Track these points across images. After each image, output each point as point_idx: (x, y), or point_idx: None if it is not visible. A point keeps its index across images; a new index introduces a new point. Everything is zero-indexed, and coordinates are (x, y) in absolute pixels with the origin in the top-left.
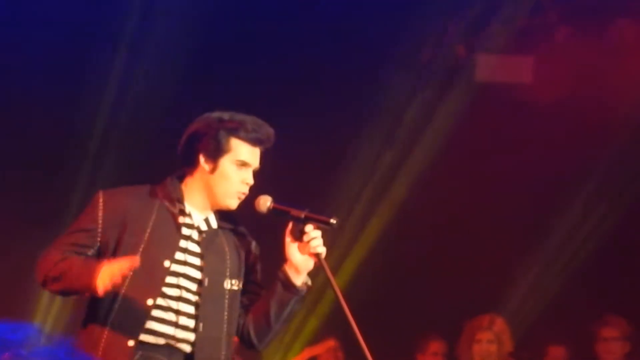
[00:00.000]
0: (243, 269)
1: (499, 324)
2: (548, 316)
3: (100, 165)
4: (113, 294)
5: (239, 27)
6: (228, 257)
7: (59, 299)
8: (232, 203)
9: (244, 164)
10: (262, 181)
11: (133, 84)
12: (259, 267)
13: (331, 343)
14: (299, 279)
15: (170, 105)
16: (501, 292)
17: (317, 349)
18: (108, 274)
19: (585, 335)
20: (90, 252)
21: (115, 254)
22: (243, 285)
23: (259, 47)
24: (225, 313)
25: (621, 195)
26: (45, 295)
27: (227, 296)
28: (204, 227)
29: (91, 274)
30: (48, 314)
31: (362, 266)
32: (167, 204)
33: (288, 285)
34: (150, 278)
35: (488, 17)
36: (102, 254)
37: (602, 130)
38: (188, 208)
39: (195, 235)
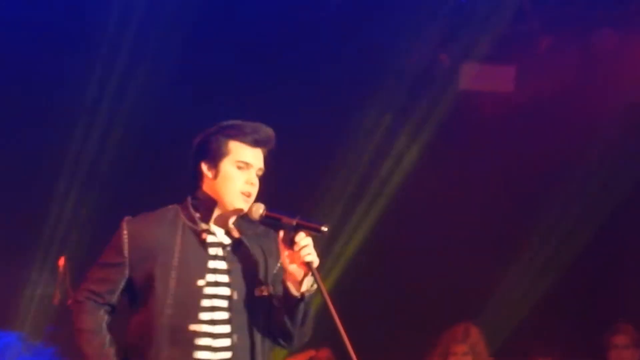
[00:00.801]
0: (271, 274)
1: (474, 334)
2: (528, 325)
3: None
4: (157, 322)
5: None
6: (254, 265)
7: (39, 308)
8: (240, 204)
9: (245, 164)
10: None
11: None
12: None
13: (312, 353)
14: (295, 287)
15: (162, 111)
16: (480, 301)
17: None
18: None
19: (571, 345)
20: (121, 285)
21: (150, 285)
22: (272, 286)
23: (249, 51)
24: (261, 319)
25: (601, 202)
26: (25, 304)
27: (258, 303)
28: (227, 241)
29: None
30: (28, 323)
31: (342, 276)
32: (190, 225)
33: (288, 295)
34: (189, 303)
35: (471, 26)
36: (134, 285)
37: (583, 139)
38: (211, 226)
39: (220, 252)
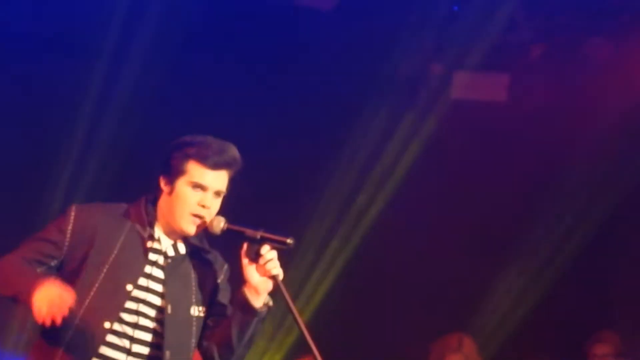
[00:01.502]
0: (208, 297)
1: (468, 344)
2: (519, 335)
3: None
4: (70, 313)
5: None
6: (194, 284)
7: (14, 315)
8: (188, 227)
9: (199, 186)
10: (230, 204)
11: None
12: (227, 288)
13: None
14: (259, 301)
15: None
16: (472, 312)
17: None
18: (46, 298)
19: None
20: (53, 262)
21: (79, 270)
22: (208, 308)
23: (235, 64)
24: (193, 340)
25: (594, 211)
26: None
27: (194, 323)
28: (171, 253)
29: (30, 287)
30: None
31: (329, 286)
32: (138, 226)
33: (247, 307)
34: (110, 300)
35: (463, 34)
36: (64, 268)
37: (576, 147)
38: (157, 232)
39: (161, 260)
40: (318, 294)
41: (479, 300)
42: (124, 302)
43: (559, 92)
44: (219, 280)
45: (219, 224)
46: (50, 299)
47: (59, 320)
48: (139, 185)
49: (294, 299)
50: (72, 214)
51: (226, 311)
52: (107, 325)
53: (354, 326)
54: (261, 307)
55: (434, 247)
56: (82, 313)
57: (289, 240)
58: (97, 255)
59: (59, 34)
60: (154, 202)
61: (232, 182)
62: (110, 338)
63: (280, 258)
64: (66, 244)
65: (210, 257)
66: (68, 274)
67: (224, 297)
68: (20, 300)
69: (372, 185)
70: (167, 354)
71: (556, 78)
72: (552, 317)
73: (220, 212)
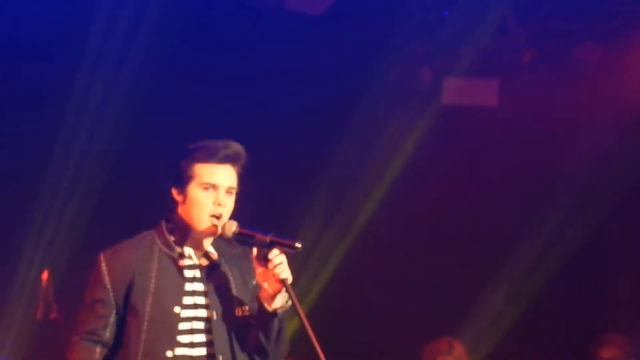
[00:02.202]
0: (250, 293)
1: (458, 348)
2: (511, 340)
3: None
4: (134, 349)
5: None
6: (233, 285)
7: (16, 327)
8: (210, 227)
9: (211, 186)
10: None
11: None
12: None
13: None
14: (273, 304)
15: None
16: (465, 314)
17: None
18: None
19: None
20: (112, 318)
21: (125, 311)
22: (252, 304)
23: (228, 68)
24: (242, 340)
25: (586, 214)
26: (7, 320)
27: (241, 322)
28: (205, 263)
29: None
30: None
31: (324, 291)
32: (166, 250)
33: (263, 311)
34: (164, 329)
35: (453, 39)
36: (122, 314)
37: (566, 152)
38: (186, 249)
39: (197, 274)
40: (310, 295)
41: (472, 303)
42: (177, 327)
43: (550, 97)
44: (255, 279)
45: (231, 228)
46: None
47: None
48: (128, 190)
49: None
50: (103, 264)
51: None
52: (169, 354)
53: (347, 328)
54: (277, 309)
55: (425, 251)
56: (142, 351)
57: (297, 244)
58: (139, 292)
59: (45, 38)
60: (172, 218)
61: (241, 181)
62: None
63: (289, 262)
64: (112, 295)
65: (241, 253)
66: (122, 319)
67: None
68: None
69: (362, 190)
70: (220, 358)
71: (547, 83)
72: (548, 318)
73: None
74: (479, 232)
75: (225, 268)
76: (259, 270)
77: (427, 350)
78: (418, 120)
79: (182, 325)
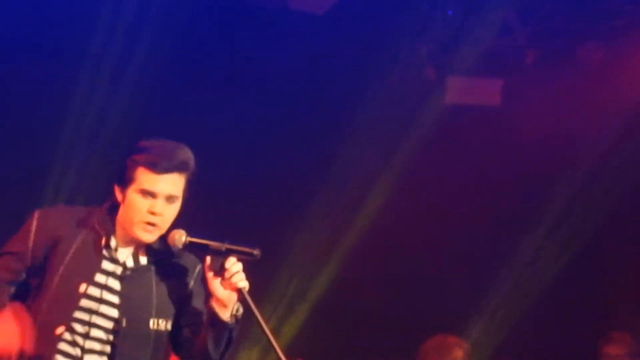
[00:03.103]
0: (175, 307)
1: (457, 347)
2: (514, 341)
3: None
4: (34, 315)
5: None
6: (154, 296)
7: None
8: (142, 234)
9: (148, 193)
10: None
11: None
12: (201, 292)
13: None
14: (226, 313)
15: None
16: (463, 317)
17: None
18: None
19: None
20: (22, 276)
21: (43, 274)
22: (180, 317)
23: (222, 73)
24: (150, 353)
25: (589, 215)
26: None
27: (152, 336)
28: (130, 264)
29: None
30: None
31: (326, 293)
32: (94, 234)
33: (215, 320)
34: (63, 305)
35: (457, 39)
36: (32, 277)
37: (570, 152)
38: (115, 242)
39: (118, 271)
40: (310, 295)
41: (472, 302)
42: (75, 306)
43: (553, 97)
44: (190, 286)
45: (181, 238)
46: None
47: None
48: None
49: (285, 304)
50: (35, 222)
51: (202, 317)
52: (59, 331)
53: (347, 328)
54: (230, 319)
55: (427, 251)
56: (39, 320)
57: (255, 252)
58: (54, 260)
59: (44, 37)
60: (113, 211)
61: (196, 186)
62: (62, 346)
63: (245, 269)
64: (29, 254)
65: (180, 262)
66: (35, 283)
67: (197, 302)
68: None
69: (365, 189)
70: None
71: (550, 83)
72: (549, 318)
73: (209, 220)
74: (481, 232)
75: (153, 276)
76: (215, 279)
77: (423, 348)
78: (421, 119)
79: (81, 315)
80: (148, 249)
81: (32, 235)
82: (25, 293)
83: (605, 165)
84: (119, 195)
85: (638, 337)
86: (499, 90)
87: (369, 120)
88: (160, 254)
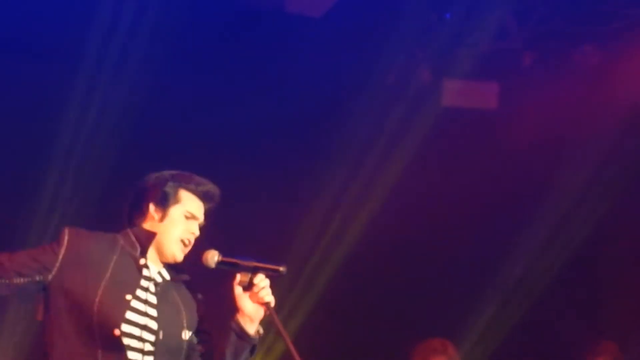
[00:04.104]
0: (196, 320)
1: (451, 348)
2: (507, 348)
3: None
4: (85, 325)
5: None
6: (183, 309)
7: (17, 329)
8: (178, 252)
9: (192, 216)
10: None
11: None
12: (206, 316)
13: None
14: (252, 328)
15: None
16: (460, 320)
17: None
18: None
19: None
20: (38, 277)
21: (75, 289)
22: (196, 335)
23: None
24: None
25: (584, 220)
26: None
27: (185, 347)
28: (159, 279)
29: None
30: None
31: (321, 296)
32: (129, 249)
33: (242, 334)
34: (113, 310)
35: (454, 42)
36: (54, 287)
37: (566, 155)
38: (148, 259)
39: (152, 287)
40: (309, 297)
41: (469, 305)
42: (125, 312)
43: (549, 100)
44: (201, 308)
45: (214, 258)
46: None
47: None
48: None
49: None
50: (66, 238)
51: (211, 339)
52: (117, 332)
53: (346, 328)
54: (254, 334)
55: (423, 253)
56: (96, 326)
57: (281, 269)
58: (93, 277)
59: (45, 37)
60: (137, 230)
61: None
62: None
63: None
64: (55, 269)
65: (190, 282)
66: (64, 295)
67: (207, 325)
68: None
69: (361, 192)
70: None
71: (547, 86)
72: (545, 322)
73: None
74: (477, 235)
75: (174, 291)
76: (242, 295)
77: (419, 349)
78: (418, 122)
79: (132, 330)
80: (165, 265)
81: (63, 250)
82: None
83: (602, 168)
84: (156, 213)
85: (627, 346)
86: (496, 93)
87: (365, 123)
88: (173, 269)
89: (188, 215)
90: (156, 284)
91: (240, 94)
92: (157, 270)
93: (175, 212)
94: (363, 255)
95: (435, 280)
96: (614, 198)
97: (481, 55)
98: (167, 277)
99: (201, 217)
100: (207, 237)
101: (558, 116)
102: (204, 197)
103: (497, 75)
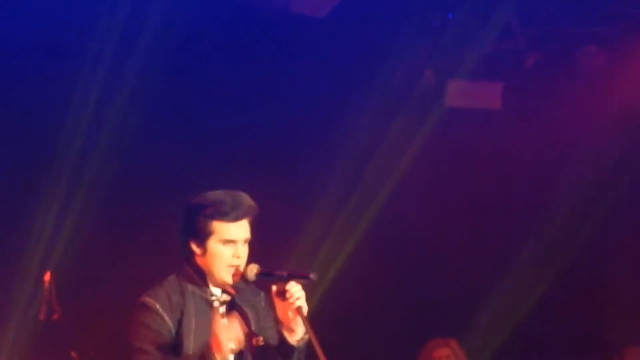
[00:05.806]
0: (260, 326)
1: (454, 343)
2: (511, 345)
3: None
4: None
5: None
6: (250, 317)
7: (19, 328)
8: (228, 277)
9: (229, 241)
10: None
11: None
12: (269, 312)
13: None
14: (294, 337)
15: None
16: (465, 320)
17: None
18: None
19: None
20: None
21: (177, 349)
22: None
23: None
24: None
25: (589, 218)
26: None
27: (256, 352)
28: (226, 298)
29: None
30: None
31: (328, 291)
32: (196, 289)
33: (285, 345)
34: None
35: (458, 42)
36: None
37: (570, 155)
38: (212, 288)
39: (223, 309)
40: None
41: (473, 306)
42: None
43: (553, 100)
44: (262, 309)
45: (253, 270)
46: None
47: None
48: (131, 190)
49: None
50: (157, 305)
51: (274, 333)
52: None
53: (346, 329)
54: (297, 342)
55: (426, 254)
56: None
57: (312, 275)
58: (184, 330)
59: (45, 37)
60: (192, 265)
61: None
62: None
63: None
64: (172, 328)
65: (248, 291)
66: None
67: (268, 320)
68: None
69: (365, 193)
70: None
71: (550, 86)
72: (548, 323)
73: None
74: (481, 235)
75: (239, 303)
76: (280, 305)
77: (424, 347)
78: (421, 122)
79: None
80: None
81: (165, 314)
82: None
83: (605, 168)
84: (198, 249)
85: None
86: (500, 94)
87: (369, 123)
88: (238, 285)
89: (225, 242)
90: (223, 304)
91: (244, 94)
92: (221, 291)
93: (213, 244)
94: (367, 256)
95: (440, 280)
96: (618, 196)
97: (485, 56)
98: (233, 291)
99: (241, 236)
100: None
101: (562, 117)
102: (236, 219)
103: (501, 76)
